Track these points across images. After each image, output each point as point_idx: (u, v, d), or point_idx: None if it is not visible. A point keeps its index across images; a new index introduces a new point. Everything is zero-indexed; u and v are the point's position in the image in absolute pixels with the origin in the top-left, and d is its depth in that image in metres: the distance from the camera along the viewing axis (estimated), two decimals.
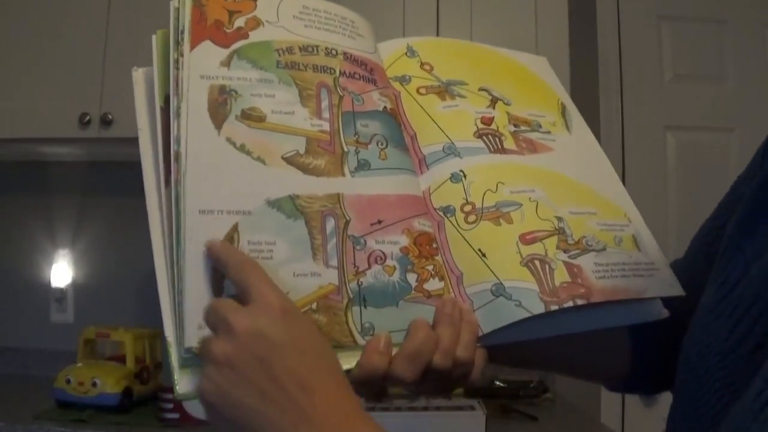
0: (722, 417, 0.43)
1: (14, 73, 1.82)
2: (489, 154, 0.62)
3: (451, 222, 0.58)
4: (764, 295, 0.45)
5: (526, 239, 0.57)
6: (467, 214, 0.58)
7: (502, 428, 1.58)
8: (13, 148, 2.00)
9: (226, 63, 0.55)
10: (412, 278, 0.54)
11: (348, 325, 0.51)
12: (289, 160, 0.54)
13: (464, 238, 0.57)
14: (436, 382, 0.53)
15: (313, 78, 0.58)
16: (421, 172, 0.61)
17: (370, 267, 0.53)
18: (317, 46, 0.60)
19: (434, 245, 0.57)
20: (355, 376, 0.49)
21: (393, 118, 0.61)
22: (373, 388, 0.51)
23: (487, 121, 0.64)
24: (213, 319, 0.46)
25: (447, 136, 0.62)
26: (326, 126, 0.56)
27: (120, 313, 2.04)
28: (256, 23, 0.58)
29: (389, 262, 0.54)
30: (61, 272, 2.14)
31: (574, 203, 0.61)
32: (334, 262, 0.52)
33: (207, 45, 0.55)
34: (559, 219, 0.59)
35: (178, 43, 0.54)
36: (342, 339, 0.50)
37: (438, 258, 0.57)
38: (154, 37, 0.56)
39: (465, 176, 0.60)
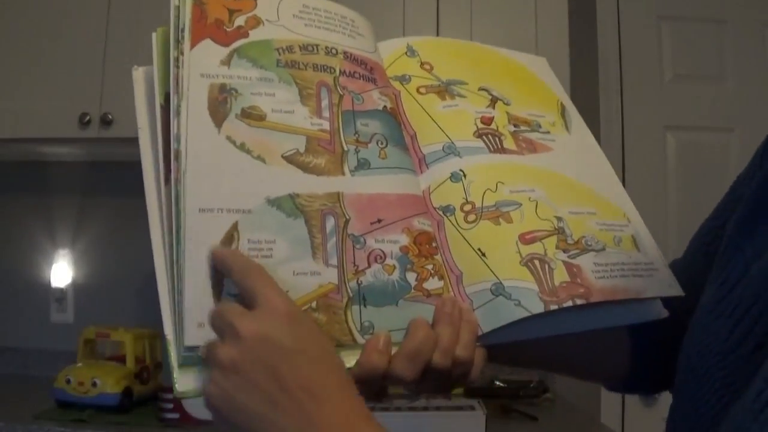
0: (722, 417, 0.43)
1: (14, 73, 1.82)
2: (489, 154, 0.62)
3: (450, 221, 0.58)
4: (764, 295, 0.45)
5: (525, 239, 0.57)
6: (467, 213, 0.58)
7: (502, 428, 1.58)
8: (13, 148, 2.00)
9: (227, 62, 0.55)
10: (411, 277, 0.54)
11: (347, 324, 0.51)
12: (289, 159, 0.54)
13: (464, 238, 0.57)
14: (436, 381, 0.53)
15: (313, 77, 0.58)
16: (421, 172, 0.61)
17: (369, 266, 0.53)
18: (317, 45, 0.60)
19: (434, 244, 0.57)
20: (355, 374, 0.49)
21: (393, 117, 0.61)
22: (373, 387, 0.51)
23: (487, 121, 0.64)
24: (219, 324, 0.46)
25: (447, 136, 0.62)
26: (326, 125, 0.57)
27: (120, 313, 2.04)
28: (257, 22, 0.58)
29: (389, 261, 0.54)
30: (61, 272, 2.14)
31: (574, 203, 0.61)
32: (333, 260, 0.52)
33: (207, 43, 0.55)
34: (559, 219, 0.59)
35: (179, 42, 0.54)
36: (341, 338, 0.50)
37: (437, 257, 0.57)
38: (154, 35, 0.56)
39: (465, 176, 0.60)
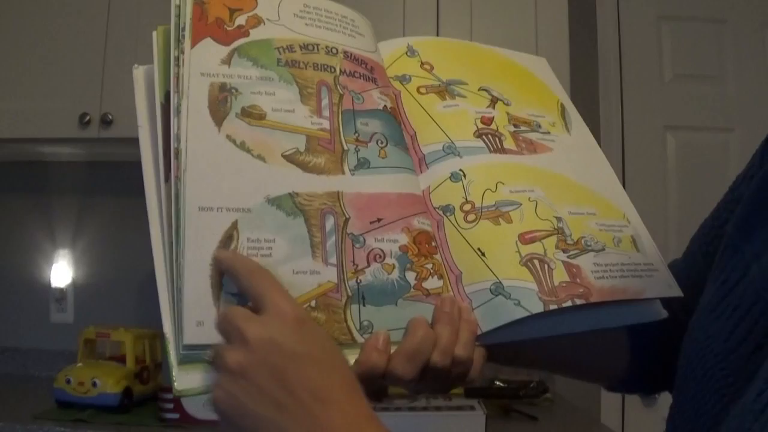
0: (723, 417, 0.43)
1: (14, 73, 1.82)
2: (489, 154, 0.62)
3: (450, 221, 0.58)
4: (764, 295, 0.45)
5: (525, 239, 0.57)
6: (467, 213, 0.58)
7: (502, 428, 1.58)
8: (13, 148, 2.00)
9: (227, 61, 0.55)
10: (411, 276, 0.54)
11: (347, 323, 0.51)
12: (289, 158, 0.54)
13: (463, 237, 0.57)
14: (435, 381, 0.53)
15: (313, 76, 0.58)
16: (421, 171, 0.61)
17: (369, 265, 0.53)
18: (318, 45, 0.60)
19: (433, 244, 0.57)
20: (354, 373, 0.50)
21: (393, 117, 0.61)
22: (372, 386, 0.51)
23: (487, 121, 0.64)
24: (226, 328, 0.46)
25: (447, 136, 0.62)
26: (326, 124, 0.57)
27: (120, 313, 2.04)
28: (257, 21, 0.58)
29: (388, 260, 0.54)
30: (61, 272, 2.14)
31: (574, 203, 0.61)
32: (333, 259, 0.52)
33: (208, 42, 0.55)
34: (559, 219, 0.59)
35: (179, 41, 0.54)
36: (340, 337, 0.50)
37: (437, 257, 0.57)
38: (154, 34, 0.56)
39: (465, 175, 0.60)
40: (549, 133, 0.67)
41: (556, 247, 0.57)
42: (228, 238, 0.49)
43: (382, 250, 0.54)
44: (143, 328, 1.76)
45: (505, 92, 0.68)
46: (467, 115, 0.64)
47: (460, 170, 0.60)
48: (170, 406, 1.54)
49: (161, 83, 0.54)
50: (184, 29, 0.55)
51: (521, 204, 0.59)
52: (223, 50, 0.55)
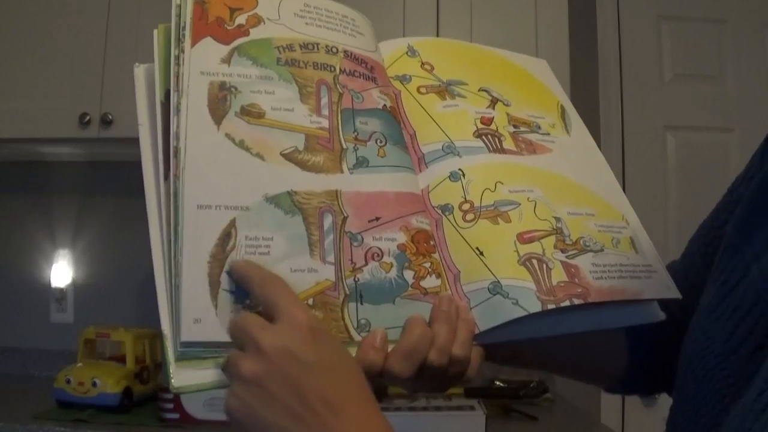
0: (723, 418, 0.43)
1: (14, 73, 1.82)
2: (488, 154, 0.62)
3: (449, 220, 0.58)
4: (765, 296, 0.45)
5: (523, 238, 0.57)
6: (465, 212, 0.58)
7: (502, 428, 1.58)
8: (13, 148, 2.00)
9: (227, 60, 0.55)
10: (409, 275, 0.54)
11: (344, 321, 0.51)
12: (287, 157, 0.54)
13: (462, 237, 0.57)
14: (432, 379, 0.53)
15: (313, 75, 0.58)
16: (420, 171, 0.61)
17: (367, 263, 0.53)
18: (318, 44, 0.60)
19: (432, 243, 0.57)
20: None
21: (392, 116, 0.61)
22: (370, 385, 0.51)
23: (487, 122, 0.64)
24: (239, 336, 0.47)
25: (446, 135, 0.62)
26: (325, 123, 0.57)
27: (120, 313, 2.04)
28: (257, 20, 0.58)
29: (386, 258, 0.54)
30: (61, 272, 2.14)
31: (573, 204, 0.61)
32: (331, 258, 0.52)
33: (208, 41, 0.55)
34: (557, 219, 0.59)
35: (179, 40, 0.54)
36: (338, 335, 0.50)
37: (435, 255, 0.57)
38: (155, 32, 0.56)
39: (464, 175, 0.60)
40: (548, 134, 0.67)
41: (555, 247, 0.57)
42: (226, 236, 0.49)
43: (380, 249, 0.54)
44: (143, 328, 1.76)
45: (505, 93, 0.68)
46: (467, 115, 0.64)
47: (460, 170, 0.60)
48: (170, 406, 1.54)
49: (162, 82, 0.55)
50: (184, 28, 0.55)
51: (520, 204, 0.59)
52: (223, 49, 0.56)
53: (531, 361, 0.70)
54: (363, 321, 0.52)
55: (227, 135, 0.52)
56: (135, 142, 0.54)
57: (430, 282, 0.55)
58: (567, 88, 1.66)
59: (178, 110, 0.52)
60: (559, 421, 1.71)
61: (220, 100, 0.53)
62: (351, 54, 0.62)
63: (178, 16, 0.55)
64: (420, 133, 0.63)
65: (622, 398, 2.05)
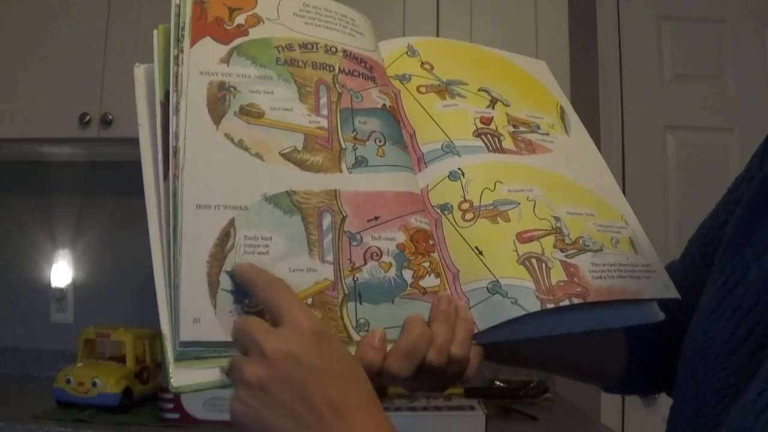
0: (723, 417, 0.43)
1: (14, 73, 1.83)
2: (488, 153, 0.62)
3: (448, 219, 0.58)
4: (765, 296, 0.45)
5: (523, 238, 0.57)
6: (465, 212, 0.58)
7: (502, 428, 1.58)
8: (13, 148, 2.00)
9: (226, 59, 0.55)
10: (408, 275, 0.54)
11: (343, 321, 0.51)
12: (286, 156, 0.54)
13: (461, 236, 0.57)
14: (431, 379, 0.53)
15: (312, 75, 0.58)
16: (420, 170, 0.61)
17: (366, 263, 0.53)
18: (317, 44, 0.60)
19: (431, 242, 0.57)
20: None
21: (392, 115, 0.61)
22: None
23: (486, 121, 0.64)
24: (243, 340, 0.47)
25: (446, 135, 0.62)
26: (324, 123, 0.57)
27: (120, 313, 2.04)
28: (257, 20, 0.58)
29: (385, 258, 0.54)
30: (61, 272, 2.14)
31: (572, 204, 0.61)
32: (329, 257, 0.52)
33: (207, 41, 0.55)
34: (557, 219, 0.59)
35: (179, 40, 0.54)
36: (337, 334, 0.50)
37: (434, 255, 0.57)
38: (155, 32, 0.56)
39: (463, 174, 0.60)
40: (548, 134, 0.67)
41: (554, 247, 0.57)
42: (225, 236, 0.49)
43: (379, 248, 0.54)
44: (143, 328, 1.76)
45: (504, 93, 0.68)
46: (467, 114, 0.64)
47: (459, 169, 0.60)
48: (170, 406, 1.54)
49: (161, 82, 0.55)
50: (183, 28, 0.55)
51: (519, 203, 0.59)
52: (223, 49, 0.56)
53: (530, 360, 0.70)
54: (362, 320, 0.52)
55: (226, 135, 0.52)
56: (135, 142, 0.54)
57: (429, 281, 0.55)
58: (567, 88, 1.66)
59: (177, 110, 0.52)
60: (559, 421, 1.71)
61: (219, 100, 0.53)
62: (350, 53, 0.62)
63: (178, 16, 0.55)
64: (419, 132, 0.63)
65: (622, 398, 2.05)
